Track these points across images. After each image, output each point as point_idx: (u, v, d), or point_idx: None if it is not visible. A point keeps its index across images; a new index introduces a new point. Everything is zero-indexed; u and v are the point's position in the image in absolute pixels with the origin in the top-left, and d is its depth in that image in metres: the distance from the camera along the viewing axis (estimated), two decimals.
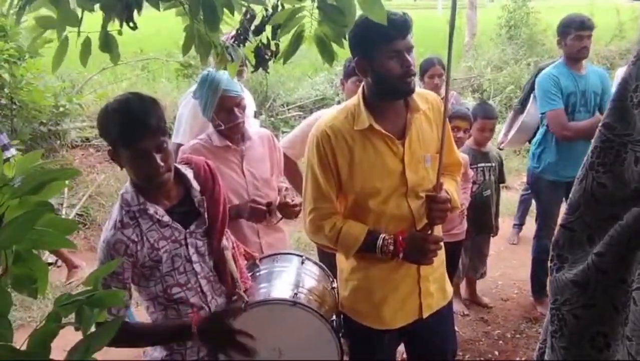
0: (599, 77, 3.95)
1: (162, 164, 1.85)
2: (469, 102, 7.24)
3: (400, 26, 1.95)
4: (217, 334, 1.95)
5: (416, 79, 2.52)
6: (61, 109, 6.87)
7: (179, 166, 2.08)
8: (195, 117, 3.25)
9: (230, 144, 2.70)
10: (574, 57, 3.91)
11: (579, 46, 3.85)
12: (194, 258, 2.02)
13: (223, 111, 2.65)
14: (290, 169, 3.30)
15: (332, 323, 2.10)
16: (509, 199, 6.52)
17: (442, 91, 3.35)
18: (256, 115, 4.04)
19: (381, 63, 2.02)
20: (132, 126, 1.80)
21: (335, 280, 2.42)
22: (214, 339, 1.97)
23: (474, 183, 3.81)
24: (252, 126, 3.24)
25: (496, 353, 3.79)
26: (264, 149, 2.86)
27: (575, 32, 3.84)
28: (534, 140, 4.15)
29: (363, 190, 2.12)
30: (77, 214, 5.81)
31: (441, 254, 2.30)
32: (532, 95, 5.13)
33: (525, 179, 5.53)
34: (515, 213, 5.68)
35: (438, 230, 2.26)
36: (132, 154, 1.84)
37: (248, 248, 2.40)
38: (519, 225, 5.61)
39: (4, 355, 1.01)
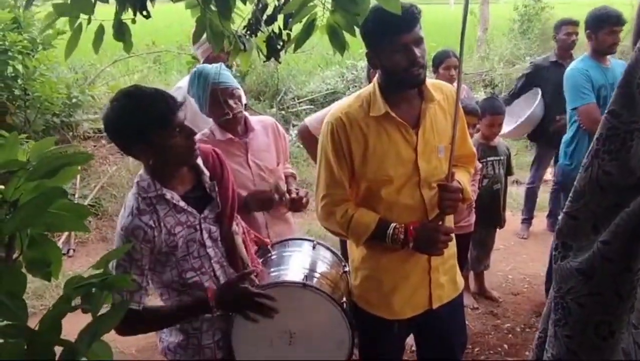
0: (623, 70, 3.91)
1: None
2: (481, 97, 7.22)
3: (405, 19, 1.92)
4: (237, 299, 1.97)
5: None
6: (74, 100, 6.92)
7: None
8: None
9: (233, 137, 2.70)
10: (604, 52, 3.88)
11: (612, 41, 3.82)
12: (208, 243, 2.06)
13: (216, 104, 2.64)
14: (316, 148, 3.31)
15: (343, 305, 2.12)
16: (520, 194, 6.49)
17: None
18: (246, 107, 4.03)
19: (387, 56, 2.03)
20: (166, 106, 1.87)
21: (347, 264, 2.44)
22: (233, 305, 1.99)
23: (484, 176, 3.81)
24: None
25: (505, 346, 3.79)
26: (269, 138, 2.86)
27: (609, 27, 3.80)
28: (565, 138, 4.10)
29: (376, 178, 2.13)
30: (89, 205, 5.86)
31: (452, 246, 2.31)
32: (537, 90, 5.12)
33: (531, 173, 5.52)
34: (523, 208, 5.64)
35: (450, 221, 2.26)
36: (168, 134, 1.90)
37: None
38: (528, 219, 5.58)
39: (18, 335, 1.04)
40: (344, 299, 2.21)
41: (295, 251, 2.43)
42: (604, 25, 3.81)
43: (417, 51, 2.00)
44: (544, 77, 5.08)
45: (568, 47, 5.04)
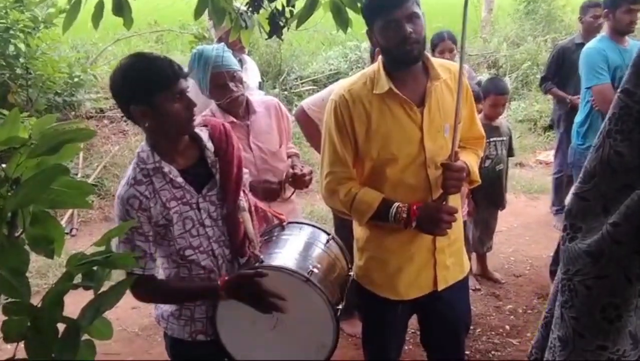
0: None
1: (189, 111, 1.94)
2: (484, 78, 7.17)
3: None
4: (247, 294, 1.96)
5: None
6: (76, 79, 6.89)
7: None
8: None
9: (234, 119, 2.68)
10: (622, 31, 3.84)
11: (629, 19, 3.78)
12: (207, 222, 2.04)
13: (216, 88, 2.63)
14: (312, 130, 3.29)
15: (337, 312, 2.07)
16: (523, 176, 6.49)
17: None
18: (261, 86, 4.00)
19: (381, 33, 2.03)
20: (169, 69, 1.86)
21: (351, 267, 2.40)
22: (243, 298, 1.98)
23: (487, 157, 3.79)
24: (256, 96, 3.17)
25: (507, 327, 3.79)
26: (271, 119, 2.84)
27: (627, 5, 3.76)
28: (578, 118, 4.07)
29: (380, 157, 2.11)
30: (91, 184, 5.85)
31: (459, 229, 2.29)
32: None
33: (556, 162, 5.42)
34: (553, 198, 5.47)
35: (455, 202, 2.23)
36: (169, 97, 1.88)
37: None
38: (561, 210, 5.24)
39: (21, 312, 1.03)
40: (341, 305, 2.16)
41: (308, 239, 2.35)
42: (621, 3, 3.77)
43: (408, 27, 1.97)
44: (569, 59, 5.02)
45: (594, 30, 4.95)
